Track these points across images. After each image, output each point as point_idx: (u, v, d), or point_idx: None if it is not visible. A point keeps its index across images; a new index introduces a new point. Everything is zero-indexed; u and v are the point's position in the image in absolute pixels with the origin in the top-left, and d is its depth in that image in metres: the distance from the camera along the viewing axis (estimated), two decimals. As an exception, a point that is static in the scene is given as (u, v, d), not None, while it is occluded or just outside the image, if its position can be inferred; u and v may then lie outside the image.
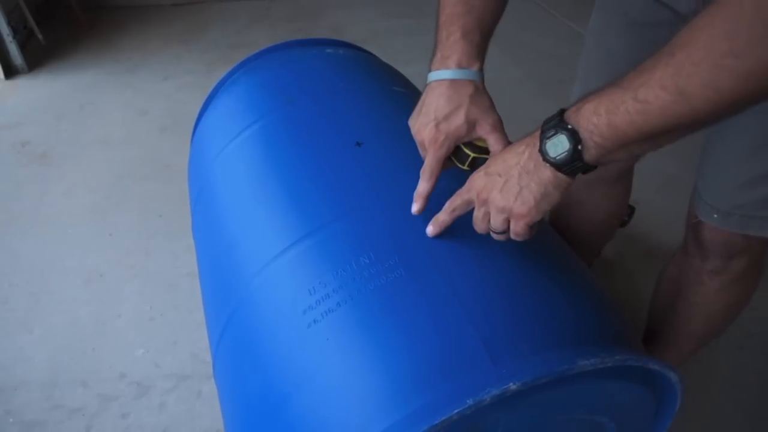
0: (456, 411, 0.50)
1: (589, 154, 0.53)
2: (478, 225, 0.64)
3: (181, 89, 2.24)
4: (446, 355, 0.56)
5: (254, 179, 0.85)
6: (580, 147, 0.53)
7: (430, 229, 0.66)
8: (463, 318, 0.58)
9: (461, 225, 0.68)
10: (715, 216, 0.84)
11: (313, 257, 0.68)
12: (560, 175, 0.56)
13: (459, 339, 0.57)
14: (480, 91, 0.69)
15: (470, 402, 0.50)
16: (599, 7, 0.97)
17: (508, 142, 0.68)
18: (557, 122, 0.55)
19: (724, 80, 0.43)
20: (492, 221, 0.61)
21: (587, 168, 0.55)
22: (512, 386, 0.51)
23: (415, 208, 0.70)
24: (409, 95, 1.00)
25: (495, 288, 0.62)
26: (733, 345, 1.35)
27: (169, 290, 1.45)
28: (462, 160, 0.70)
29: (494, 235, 0.63)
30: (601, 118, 0.51)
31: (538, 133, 0.57)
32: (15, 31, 2.25)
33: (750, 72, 0.42)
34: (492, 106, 0.70)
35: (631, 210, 1.56)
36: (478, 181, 0.62)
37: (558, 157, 0.55)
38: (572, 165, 0.54)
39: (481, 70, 0.71)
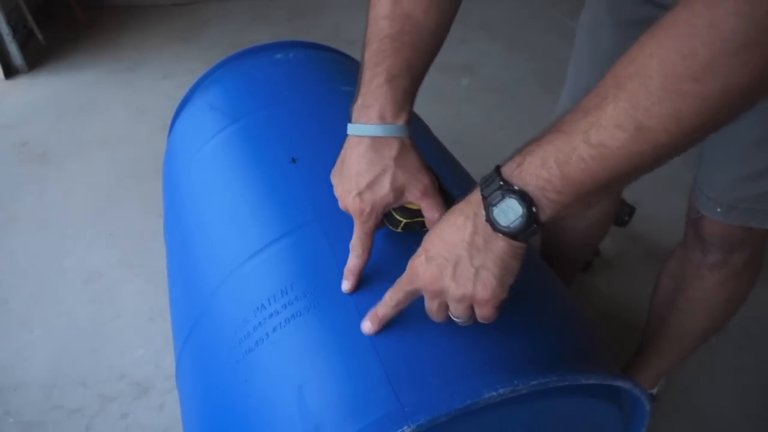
0: None
1: (545, 214, 0.46)
2: (436, 316, 0.55)
3: (181, 88, 2.23)
4: (350, 398, 0.55)
5: (196, 206, 0.88)
6: (534, 209, 0.46)
7: (368, 326, 0.56)
8: (370, 352, 0.56)
9: (385, 248, 0.66)
10: (719, 210, 0.84)
11: (238, 293, 0.70)
12: (516, 243, 0.48)
13: (365, 376, 0.55)
14: (407, 149, 0.59)
15: None
16: (589, 6, 0.97)
17: (442, 207, 0.60)
18: (500, 185, 0.47)
19: (685, 108, 0.39)
20: (453, 311, 0.53)
21: (542, 228, 0.48)
22: (407, 429, 0.49)
23: (346, 286, 0.61)
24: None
25: (409, 316, 0.59)
26: (733, 345, 1.34)
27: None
28: (395, 225, 0.63)
29: (459, 322, 0.54)
30: (552, 171, 0.45)
31: (477, 199, 0.49)
32: (15, 31, 2.25)
33: (712, 95, 0.38)
34: (422, 167, 0.60)
35: (631, 210, 1.55)
36: (421, 270, 0.52)
37: (512, 225, 0.47)
38: (529, 230, 0.47)
39: (408, 122, 0.60)
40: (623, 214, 1.50)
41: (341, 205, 0.62)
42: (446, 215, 0.53)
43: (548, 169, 0.45)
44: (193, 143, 0.98)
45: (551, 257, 1.22)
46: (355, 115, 0.61)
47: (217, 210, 0.83)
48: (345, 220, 0.70)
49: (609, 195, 0.49)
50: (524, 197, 0.46)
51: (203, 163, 0.93)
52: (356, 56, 1.21)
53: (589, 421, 0.65)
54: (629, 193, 1.43)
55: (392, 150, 0.58)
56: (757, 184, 0.80)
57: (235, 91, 1.03)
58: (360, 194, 0.59)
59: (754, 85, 0.38)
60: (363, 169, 0.58)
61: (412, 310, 0.60)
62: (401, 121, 0.60)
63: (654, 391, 1.20)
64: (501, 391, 0.51)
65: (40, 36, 2.44)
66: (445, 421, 0.50)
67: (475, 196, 0.50)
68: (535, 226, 0.47)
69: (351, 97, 0.93)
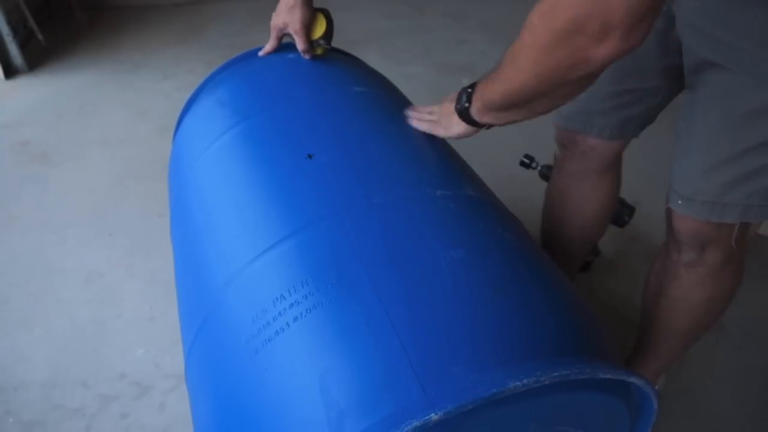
0: None
1: (473, 111, 0.83)
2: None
3: (181, 89, 2.24)
4: (375, 384, 0.56)
5: (210, 200, 0.88)
6: (467, 105, 0.83)
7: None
8: (394, 344, 0.57)
9: (401, 239, 0.68)
10: (680, 202, 0.86)
11: (256, 283, 0.70)
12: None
13: (388, 367, 0.56)
14: (298, 5, 1.03)
15: None
16: None
17: (306, 44, 1.05)
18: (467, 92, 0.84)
19: (526, 63, 0.70)
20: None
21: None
22: (434, 417, 0.49)
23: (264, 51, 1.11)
24: (368, 94, 1.01)
25: (430, 311, 0.61)
26: (733, 345, 1.35)
27: (169, 290, 1.45)
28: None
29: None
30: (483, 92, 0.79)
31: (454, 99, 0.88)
32: (15, 31, 2.25)
33: (537, 59, 0.68)
34: (302, 18, 1.03)
35: (631, 210, 1.55)
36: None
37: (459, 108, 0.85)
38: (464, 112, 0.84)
39: None
40: (623, 214, 1.50)
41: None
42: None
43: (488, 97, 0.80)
44: (203, 140, 0.98)
45: (551, 255, 1.22)
46: None
47: (230, 204, 0.83)
48: (363, 215, 0.72)
49: (518, 117, 0.79)
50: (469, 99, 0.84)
51: (215, 159, 0.93)
52: (358, 56, 1.22)
53: (599, 418, 0.66)
54: (629, 194, 1.43)
55: (291, 1, 1.04)
56: (715, 176, 0.80)
57: (248, 89, 1.03)
58: (273, 18, 1.08)
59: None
60: (279, 9, 1.07)
61: (435, 301, 0.61)
62: None
63: (654, 390, 1.20)
64: (525, 381, 0.52)
65: (40, 36, 2.45)
66: (469, 411, 0.51)
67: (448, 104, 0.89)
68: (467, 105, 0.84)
69: (364, 98, 1.01)
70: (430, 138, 0.94)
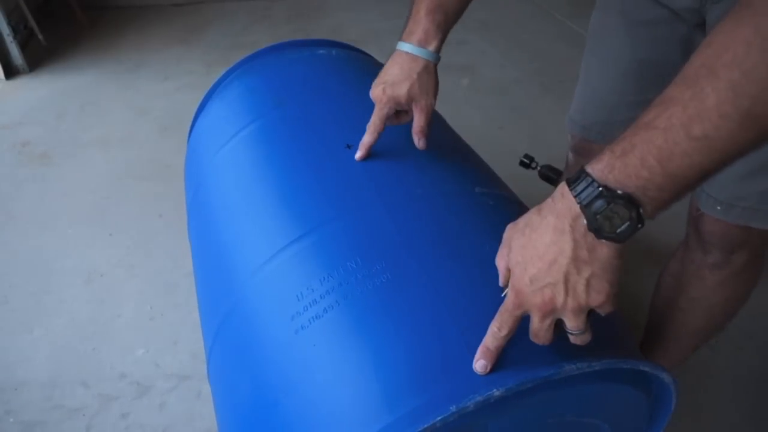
0: (439, 418, 0.50)
1: (647, 213, 0.45)
2: (544, 338, 0.53)
3: (181, 89, 2.24)
4: (431, 361, 0.56)
5: (244, 184, 0.87)
6: (641, 210, 0.45)
7: (482, 365, 0.54)
8: (448, 322, 0.58)
9: (447, 226, 0.69)
10: (718, 208, 0.85)
11: (301, 262, 0.69)
12: (620, 246, 0.48)
13: (444, 344, 0.57)
14: (429, 71, 0.79)
15: (453, 409, 0.50)
16: (599, 7, 0.98)
17: (427, 126, 0.79)
18: (600, 191, 0.45)
19: None
20: (573, 325, 0.51)
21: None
22: (496, 392, 0.50)
23: (358, 155, 0.79)
24: None
25: (482, 292, 0.62)
26: (733, 345, 1.35)
27: (169, 290, 1.45)
28: None
29: (576, 334, 0.52)
30: (654, 170, 0.43)
31: (569, 209, 0.47)
32: (15, 31, 2.26)
33: None
34: (432, 89, 0.80)
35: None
36: (530, 294, 0.50)
37: (619, 231, 0.46)
38: (635, 232, 0.46)
39: (437, 50, 0.79)
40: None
41: (370, 94, 0.80)
42: (531, 224, 0.51)
43: (649, 168, 0.44)
44: (230, 128, 0.96)
45: None
46: (402, 37, 0.81)
47: (268, 189, 0.83)
48: (409, 203, 0.72)
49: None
50: (631, 201, 0.45)
51: (253, 143, 0.91)
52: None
53: (623, 412, 0.67)
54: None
55: (419, 66, 0.78)
56: (757, 181, 0.80)
57: (278, 79, 1.02)
58: (384, 89, 0.78)
59: None
60: (395, 73, 0.78)
61: (484, 286, 0.61)
62: (432, 47, 0.79)
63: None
64: (578, 365, 0.53)
65: (40, 36, 2.45)
66: (523, 391, 0.52)
67: (563, 204, 0.48)
68: (640, 226, 0.45)
69: None
70: (457, 139, 0.94)
